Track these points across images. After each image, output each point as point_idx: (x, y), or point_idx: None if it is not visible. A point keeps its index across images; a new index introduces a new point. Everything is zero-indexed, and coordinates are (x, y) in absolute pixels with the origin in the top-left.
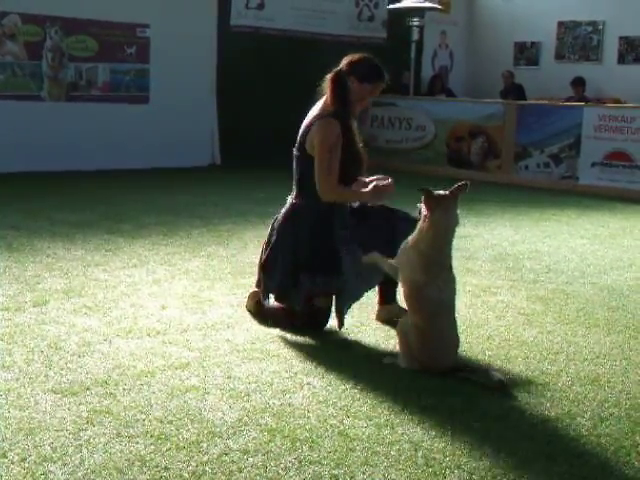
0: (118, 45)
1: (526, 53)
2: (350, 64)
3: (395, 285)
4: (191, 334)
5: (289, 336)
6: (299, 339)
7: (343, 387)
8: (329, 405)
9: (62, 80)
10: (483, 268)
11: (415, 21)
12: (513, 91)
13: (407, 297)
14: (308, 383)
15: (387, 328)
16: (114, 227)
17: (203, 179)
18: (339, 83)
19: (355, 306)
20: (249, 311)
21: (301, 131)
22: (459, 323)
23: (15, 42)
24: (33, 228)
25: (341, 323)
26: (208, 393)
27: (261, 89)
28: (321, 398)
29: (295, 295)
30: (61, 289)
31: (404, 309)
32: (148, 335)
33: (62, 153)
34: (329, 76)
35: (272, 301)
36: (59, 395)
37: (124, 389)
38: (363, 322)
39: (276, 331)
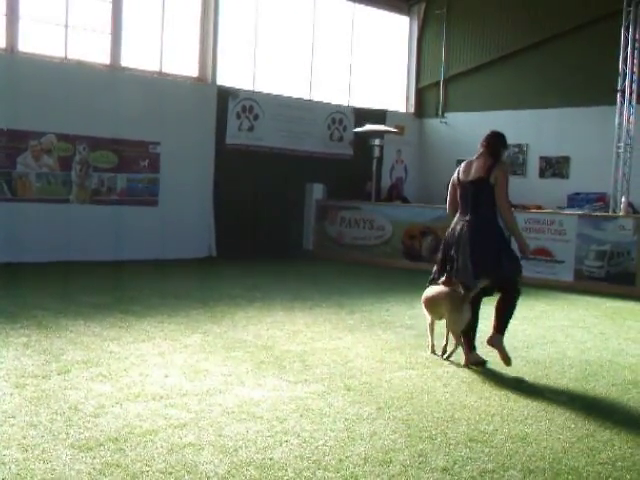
0: (134, 159)
1: None
2: (499, 136)
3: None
4: (189, 398)
5: (270, 401)
6: (278, 404)
7: (315, 444)
8: (304, 459)
9: (87, 187)
10: None
11: (376, 141)
12: None
13: None
14: (286, 441)
15: (353, 393)
16: (126, 308)
17: (201, 268)
18: (498, 148)
19: (324, 376)
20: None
21: (481, 169)
22: (411, 390)
23: (50, 156)
24: (59, 309)
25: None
26: (202, 449)
27: (250, 196)
28: (297, 453)
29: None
30: (81, 360)
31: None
32: (153, 399)
33: (86, 246)
34: (486, 143)
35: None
36: (77, 450)
37: (132, 445)
38: (333, 389)
39: (259, 396)
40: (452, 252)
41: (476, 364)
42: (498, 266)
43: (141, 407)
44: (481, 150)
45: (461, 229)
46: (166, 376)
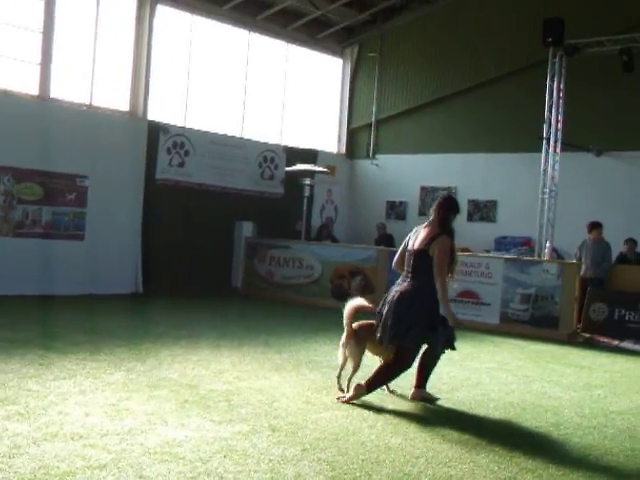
0: (60, 191)
1: (396, 210)
2: (450, 202)
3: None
4: (110, 438)
5: (193, 441)
6: (201, 444)
7: None
8: None
9: (11, 219)
10: None
11: (307, 181)
12: (385, 240)
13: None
14: None
15: (278, 434)
16: (48, 344)
17: (127, 305)
18: (447, 216)
19: (249, 416)
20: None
21: (423, 241)
22: (337, 431)
23: None
24: None
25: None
26: None
27: (179, 231)
28: None
29: (433, 341)
30: None
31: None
32: (72, 439)
33: (8, 280)
34: (438, 210)
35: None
36: None
37: None
38: (258, 430)
39: (183, 436)
40: (381, 308)
41: (422, 400)
42: (404, 334)
43: (59, 447)
44: (432, 216)
45: (396, 291)
46: (87, 415)
